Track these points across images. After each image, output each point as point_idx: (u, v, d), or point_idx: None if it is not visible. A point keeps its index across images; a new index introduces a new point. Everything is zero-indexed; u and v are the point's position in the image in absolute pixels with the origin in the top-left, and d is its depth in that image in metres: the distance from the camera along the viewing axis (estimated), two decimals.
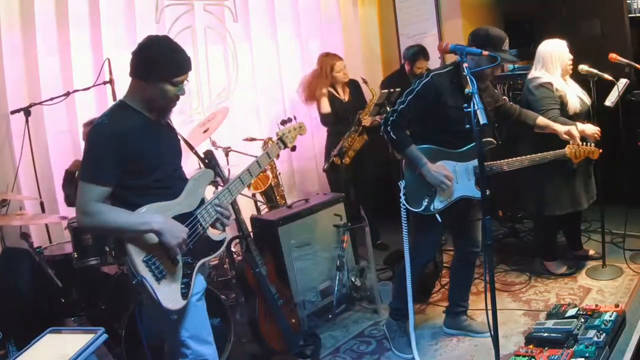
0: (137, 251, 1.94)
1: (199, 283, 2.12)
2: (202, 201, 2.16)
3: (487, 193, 2.31)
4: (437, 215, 2.72)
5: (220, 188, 2.28)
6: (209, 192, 2.24)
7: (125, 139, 1.94)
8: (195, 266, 2.08)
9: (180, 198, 2.09)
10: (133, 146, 1.96)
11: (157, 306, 1.93)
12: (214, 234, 2.18)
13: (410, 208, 2.74)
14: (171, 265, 2.00)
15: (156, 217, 1.95)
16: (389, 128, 2.73)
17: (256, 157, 2.42)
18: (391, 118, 2.74)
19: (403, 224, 2.79)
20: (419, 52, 4.43)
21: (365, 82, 4.40)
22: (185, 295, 2.01)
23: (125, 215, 1.94)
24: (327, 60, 4.34)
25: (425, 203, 2.72)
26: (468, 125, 2.57)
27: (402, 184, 2.75)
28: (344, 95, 4.42)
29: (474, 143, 2.68)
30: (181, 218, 2.05)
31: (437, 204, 2.73)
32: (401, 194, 2.74)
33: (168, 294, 1.96)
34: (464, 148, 2.75)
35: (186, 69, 2.04)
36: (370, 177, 4.60)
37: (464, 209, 2.84)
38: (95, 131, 1.98)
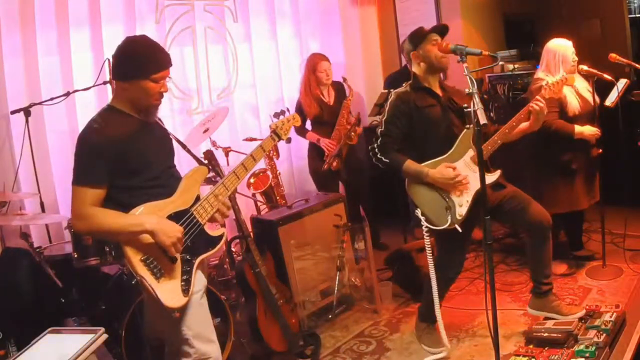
0: (134, 252, 1.94)
1: (199, 280, 2.12)
2: (197, 198, 2.16)
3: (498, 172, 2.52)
4: (457, 227, 2.65)
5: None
6: (206, 191, 2.24)
7: (114, 140, 1.97)
8: (194, 263, 2.08)
9: (174, 196, 2.09)
10: (123, 146, 1.98)
11: (159, 305, 1.93)
12: (211, 230, 2.18)
13: (438, 228, 2.68)
14: (169, 263, 2.00)
15: (150, 218, 1.96)
16: (379, 155, 2.76)
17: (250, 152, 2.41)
18: (376, 144, 2.77)
19: (427, 251, 2.74)
20: None
21: (344, 80, 4.42)
22: (186, 292, 2.01)
23: (119, 217, 1.94)
24: (312, 59, 4.35)
25: (449, 217, 2.67)
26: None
27: (418, 211, 2.72)
28: (329, 98, 4.39)
29: (459, 137, 2.75)
30: (177, 216, 2.05)
31: (460, 210, 2.68)
32: (423, 222, 2.69)
33: (168, 292, 1.96)
34: (453, 147, 2.76)
35: (165, 65, 2.06)
36: (363, 178, 4.58)
37: (491, 199, 2.79)
38: (85, 134, 2.00)
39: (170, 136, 2.30)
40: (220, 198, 2.17)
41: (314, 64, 4.31)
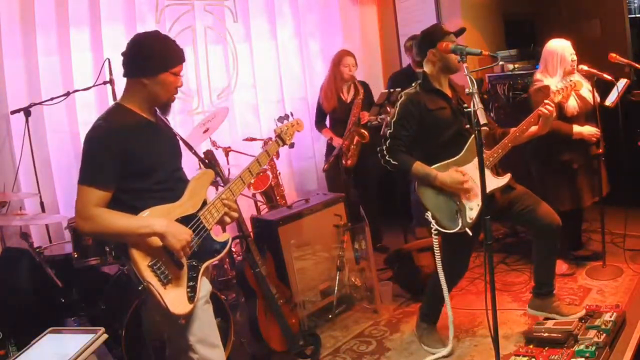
0: (141, 256, 1.90)
1: (204, 286, 2.08)
2: (205, 202, 2.12)
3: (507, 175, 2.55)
4: (467, 230, 2.64)
5: (220, 188, 2.27)
6: (209, 193, 2.23)
7: (124, 140, 1.92)
8: (200, 269, 2.04)
9: (182, 200, 2.05)
10: (132, 147, 1.93)
11: (165, 312, 1.90)
12: (216, 235, 2.15)
13: (448, 231, 2.65)
14: (176, 269, 1.96)
15: (159, 220, 1.91)
16: (387, 157, 2.72)
17: (256, 156, 2.41)
18: (385, 146, 2.74)
19: (435, 252, 2.73)
20: (415, 38, 4.49)
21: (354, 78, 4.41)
22: (192, 299, 1.97)
23: (127, 219, 1.90)
24: (339, 53, 4.38)
25: (459, 220, 2.65)
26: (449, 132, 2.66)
27: (428, 214, 2.68)
28: (347, 96, 4.40)
29: (469, 140, 2.72)
30: (184, 220, 2.01)
31: (471, 214, 2.66)
32: (432, 224, 2.66)
33: (175, 299, 1.92)
34: (463, 150, 2.74)
35: (183, 58, 2.06)
36: (373, 180, 4.58)
37: (500, 201, 2.80)
38: (94, 133, 1.94)
39: (177, 137, 2.25)
40: (226, 203, 2.14)
41: (340, 57, 4.33)
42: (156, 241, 1.91)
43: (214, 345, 2.10)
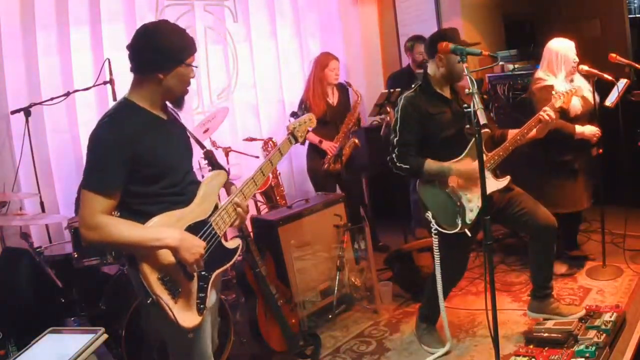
0: (151, 269, 1.78)
1: (212, 296, 1.99)
2: (216, 207, 1.99)
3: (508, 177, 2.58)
4: (466, 231, 2.66)
5: (232, 188, 2.18)
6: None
7: (134, 141, 1.77)
8: (210, 279, 1.92)
9: (193, 205, 1.92)
10: (142, 150, 1.78)
11: (174, 325, 1.80)
12: (225, 241, 2.04)
13: (447, 232, 2.66)
14: (186, 281, 1.86)
15: (171, 232, 1.79)
16: (397, 164, 2.72)
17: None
18: (393, 154, 2.73)
19: (435, 252, 2.74)
20: (415, 38, 4.56)
21: (349, 85, 4.36)
22: (201, 310, 1.87)
23: (137, 230, 1.76)
24: (323, 58, 4.28)
25: (459, 221, 2.66)
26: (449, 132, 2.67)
27: (429, 214, 2.69)
28: (333, 99, 4.35)
29: (471, 142, 2.72)
30: (195, 227, 1.89)
31: (470, 215, 2.67)
32: (432, 224, 2.68)
33: (184, 312, 1.82)
34: (464, 152, 2.74)
35: (195, 47, 1.91)
36: (359, 180, 4.55)
37: (497, 202, 2.81)
38: (100, 133, 1.78)
39: (188, 133, 2.09)
40: (242, 204, 2.03)
41: (325, 62, 4.23)
42: (167, 253, 1.80)
43: (208, 356, 2.04)
